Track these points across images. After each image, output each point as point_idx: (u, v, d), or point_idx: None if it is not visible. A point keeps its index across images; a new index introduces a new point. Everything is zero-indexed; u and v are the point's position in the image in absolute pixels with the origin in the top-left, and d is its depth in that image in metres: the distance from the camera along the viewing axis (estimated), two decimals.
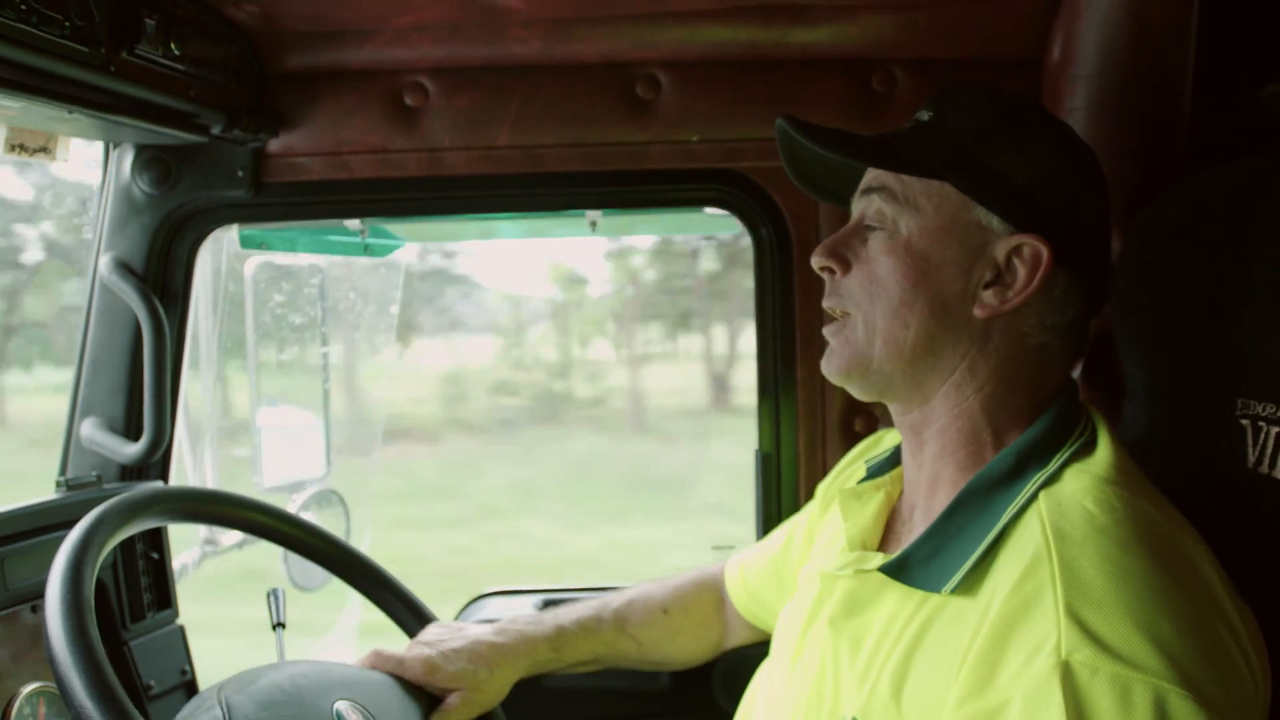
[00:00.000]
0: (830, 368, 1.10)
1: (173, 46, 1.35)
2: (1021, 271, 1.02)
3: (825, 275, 1.12)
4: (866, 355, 1.06)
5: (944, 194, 1.04)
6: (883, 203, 1.06)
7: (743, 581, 1.52)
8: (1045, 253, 1.00)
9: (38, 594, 1.36)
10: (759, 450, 1.74)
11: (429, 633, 1.38)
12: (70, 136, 1.53)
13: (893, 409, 1.13)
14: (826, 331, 1.12)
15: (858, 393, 1.11)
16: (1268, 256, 1.02)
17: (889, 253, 1.05)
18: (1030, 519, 0.94)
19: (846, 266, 1.09)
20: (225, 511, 1.31)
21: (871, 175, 1.10)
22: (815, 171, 1.20)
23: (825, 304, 1.12)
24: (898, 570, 1.00)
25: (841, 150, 1.07)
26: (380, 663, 1.30)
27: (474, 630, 1.40)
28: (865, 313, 1.06)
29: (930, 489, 1.08)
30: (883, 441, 1.38)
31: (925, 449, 1.09)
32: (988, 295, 1.02)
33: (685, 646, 1.56)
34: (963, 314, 1.03)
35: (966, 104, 1.08)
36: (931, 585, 0.96)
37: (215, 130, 1.56)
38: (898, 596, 1.00)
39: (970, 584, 0.94)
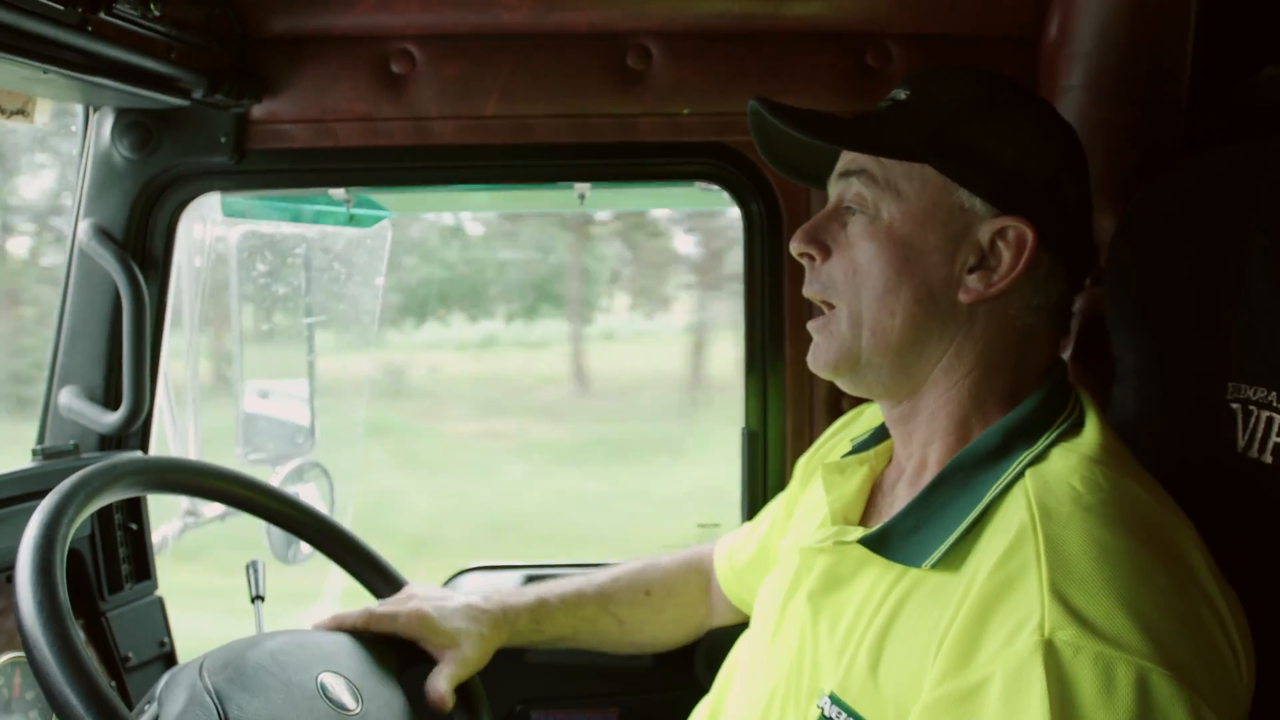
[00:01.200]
0: (817, 362, 1.09)
1: (152, 7, 1.32)
2: (1006, 255, 1.00)
3: (805, 262, 1.09)
4: (854, 349, 1.05)
5: (925, 177, 1.01)
6: (862, 186, 1.04)
7: (730, 565, 1.52)
8: (1030, 235, 0.99)
9: (11, 563, 1.35)
10: (745, 428, 1.73)
11: (417, 588, 1.37)
12: (48, 99, 1.49)
13: (881, 404, 1.12)
14: (811, 326, 1.10)
15: (847, 387, 1.09)
16: (1263, 240, 1.01)
17: (871, 238, 1.03)
18: (1016, 496, 0.93)
19: (826, 253, 1.07)
20: (203, 482, 1.29)
21: (850, 158, 1.07)
22: (789, 152, 1.17)
23: (806, 292, 1.09)
24: (878, 543, 0.99)
25: (819, 134, 1.05)
26: (375, 622, 1.29)
27: (463, 594, 1.40)
28: (849, 303, 1.04)
29: (918, 467, 1.08)
30: (864, 415, 1.37)
31: (914, 438, 1.08)
32: (972, 280, 1.01)
33: (666, 629, 1.55)
34: (948, 299, 1.02)
35: (945, 83, 1.06)
36: (912, 559, 0.96)
37: (197, 95, 1.52)
38: (877, 570, 0.99)
39: (952, 559, 0.93)
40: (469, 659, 1.32)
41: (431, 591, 1.38)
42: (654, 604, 1.53)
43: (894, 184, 1.02)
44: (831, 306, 1.07)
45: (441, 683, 1.26)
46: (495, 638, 1.38)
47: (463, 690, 1.35)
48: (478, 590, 1.44)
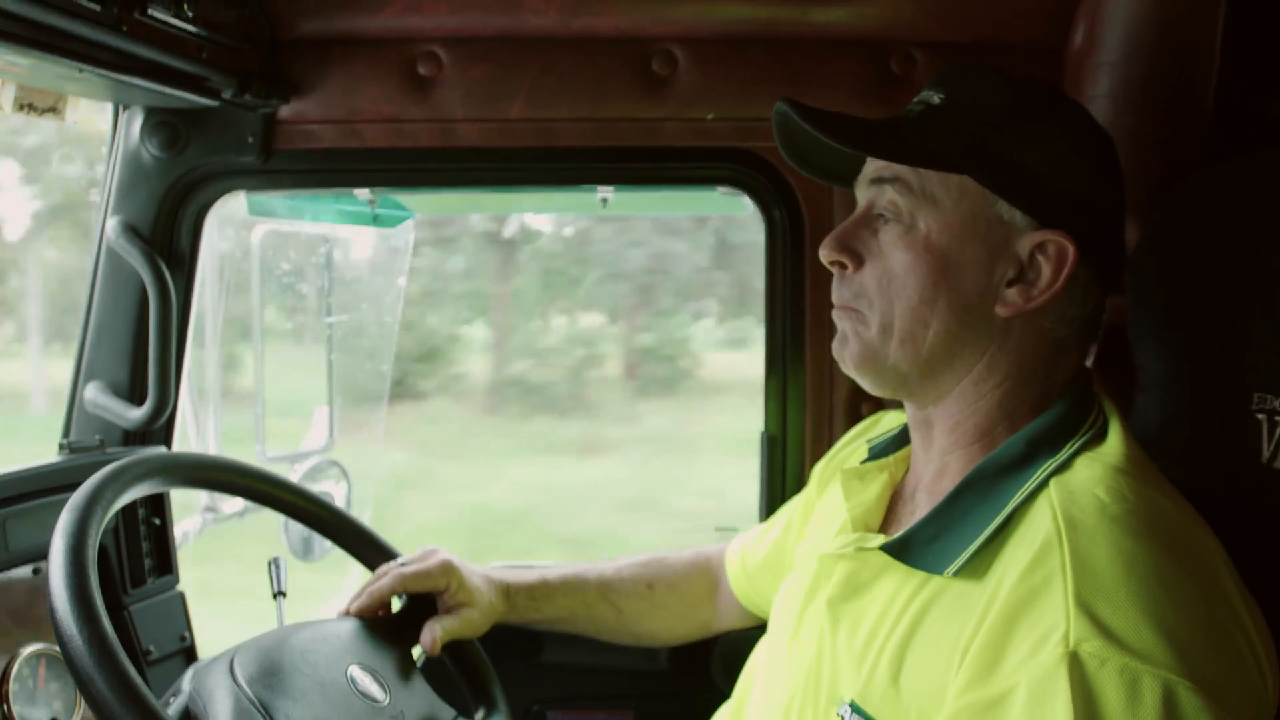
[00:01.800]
0: (844, 354, 1.07)
1: (185, 8, 1.33)
2: (1046, 269, 0.99)
3: (835, 269, 1.07)
4: (881, 353, 1.03)
5: (964, 187, 1.00)
6: (896, 194, 1.02)
7: (743, 566, 1.52)
8: (1071, 250, 0.98)
9: (39, 555, 1.36)
10: (764, 432, 1.73)
11: (435, 548, 1.41)
12: (79, 97, 1.51)
13: (906, 405, 1.11)
14: (836, 315, 1.08)
15: (870, 387, 1.08)
16: None
17: (907, 249, 1.01)
18: (1040, 505, 0.92)
19: (859, 261, 1.05)
20: (228, 479, 1.31)
21: (882, 164, 1.04)
22: (814, 152, 1.15)
23: (836, 299, 1.07)
24: (900, 550, 0.99)
25: (855, 143, 1.03)
26: (410, 581, 1.34)
27: (476, 566, 1.45)
28: (882, 311, 1.03)
29: (938, 475, 1.07)
30: (882, 421, 1.37)
31: (936, 443, 1.07)
32: (1011, 294, 1.00)
33: (667, 624, 1.56)
34: (984, 313, 1.00)
35: (980, 87, 1.03)
36: (934, 567, 0.95)
37: (226, 94, 1.54)
38: (898, 578, 0.99)
39: (975, 567, 0.92)
40: (474, 621, 1.36)
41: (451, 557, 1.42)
42: (655, 598, 1.53)
43: (930, 193, 1.00)
44: (857, 311, 1.06)
45: (438, 629, 1.31)
46: (499, 608, 1.42)
47: (467, 660, 1.38)
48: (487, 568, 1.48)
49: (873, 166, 1.06)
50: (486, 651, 1.41)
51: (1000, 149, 0.99)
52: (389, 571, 1.35)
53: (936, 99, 1.04)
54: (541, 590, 1.47)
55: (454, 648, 1.37)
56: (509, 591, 1.44)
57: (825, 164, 1.16)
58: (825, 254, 1.06)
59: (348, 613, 1.31)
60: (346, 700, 1.13)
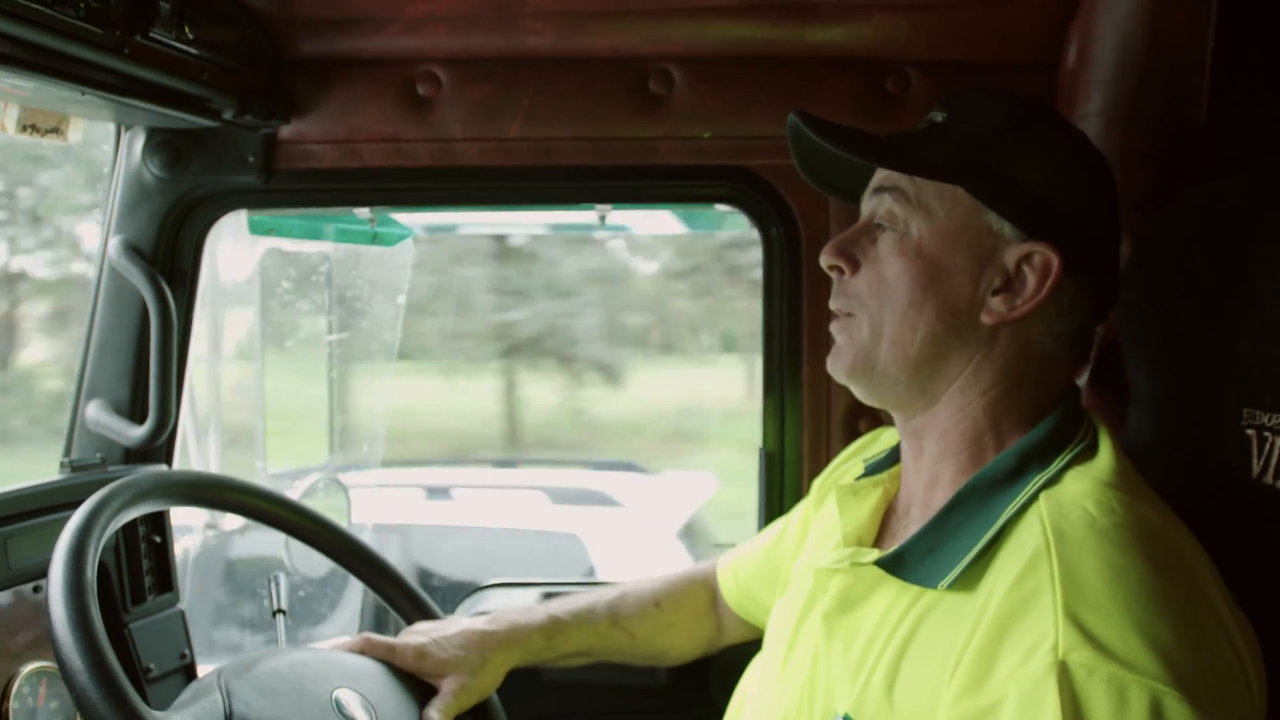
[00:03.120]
0: (836, 366, 1.10)
1: (186, 30, 1.35)
2: (1031, 279, 1.01)
3: (834, 275, 1.11)
4: (872, 356, 1.06)
5: (956, 198, 1.03)
6: (894, 203, 1.05)
7: (734, 577, 1.52)
8: (1056, 262, 1.00)
9: (39, 574, 1.37)
10: (763, 448, 1.74)
11: (421, 625, 1.38)
12: (82, 118, 1.53)
13: (895, 415, 1.12)
14: (833, 328, 1.11)
15: (862, 395, 1.10)
16: (1277, 265, 1.02)
17: (899, 254, 1.04)
18: (1030, 519, 0.94)
19: (855, 266, 1.08)
20: (229, 497, 1.32)
21: (883, 174, 1.08)
22: (824, 167, 1.18)
23: (832, 304, 1.11)
24: (894, 565, 1.00)
25: (855, 150, 1.06)
26: (370, 648, 1.30)
27: (465, 620, 1.40)
28: (872, 314, 1.06)
29: (929, 488, 1.08)
30: (880, 439, 1.38)
31: (926, 452, 1.09)
32: (996, 302, 1.02)
33: (677, 641, 1.55)
34: (970, 319, 1.03)
35: (982, 106, 1.07)
36: (928, 581, 0.96)
37: (227, 115, 1.55)
38: (893, 592, 1.00)
39: (967, 581, 0.93)
40: (470, 687, 1.32)
41: (432, 625, 1.38)
42: (663, 616, 1.53)
43: (925, 203, 1.04)
44: (851, 316, 1.08)
45: (432, 714, 1.27)
46: (503, 660, 1.38)
47: (481, 717, 1.36)
48: (492, 610, 1.45)
49: (875, 178, 1.10)
50: None
51: (993, 162, 1.02)
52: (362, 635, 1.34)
53: (940, 117, 1.08)
54: (555, 628, 1.46)
55: (475, 711, 1.35)
56: (518, 636, 1.41)
57: (833, 178, 1.20)
58: (825, 259, 1.10)
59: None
60: (321, 713, 1.13)
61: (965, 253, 1.02)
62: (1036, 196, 1.01)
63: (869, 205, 1.10)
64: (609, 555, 4.41)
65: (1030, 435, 1.02)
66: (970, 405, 1.05)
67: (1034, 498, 0.95)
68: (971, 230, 1.02)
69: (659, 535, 4.72)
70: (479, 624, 1.40)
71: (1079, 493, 0.94)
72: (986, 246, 1.02)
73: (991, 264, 1.02)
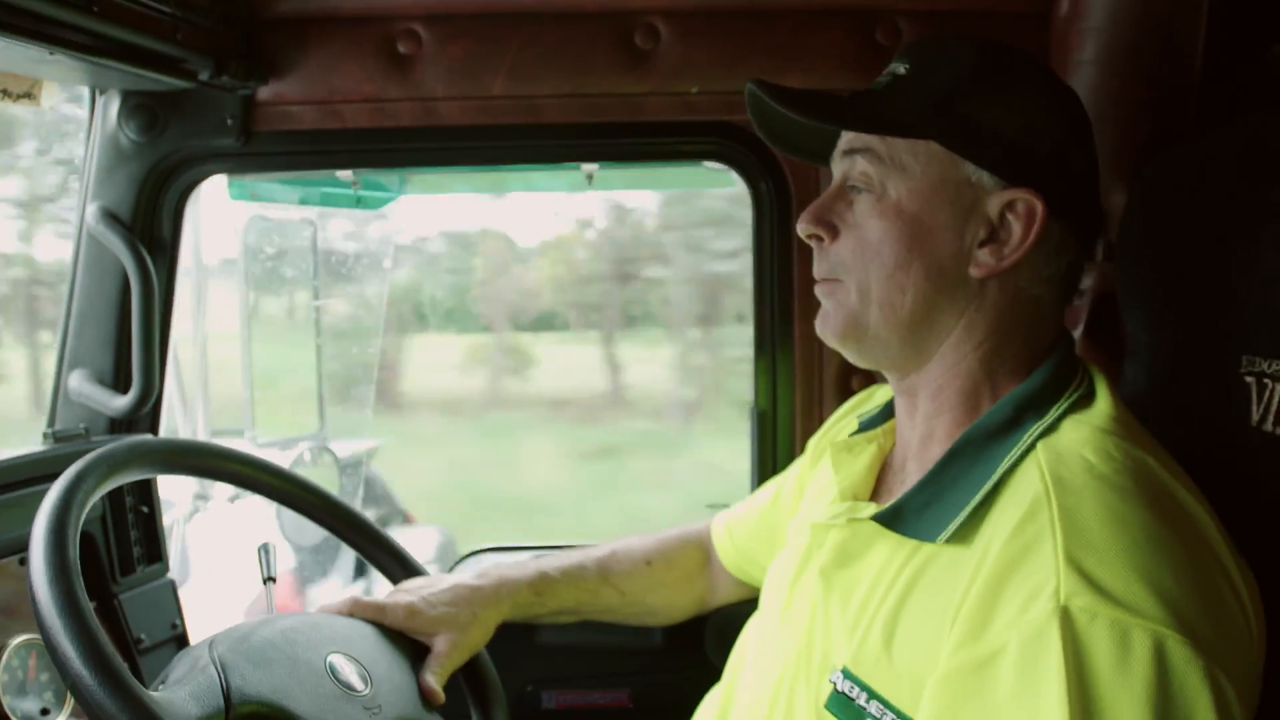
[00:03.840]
0: (826, 329, 1.08)
1: None
2: (1016, 227, 0.99)
3: (813, 243, 1.08)
4: (863, 320, 1.04)
5: (930, 152, 1.00)
6: (867, 164, 1.03)
7: (730, 537, 1.52)
8: (1040, 207, 0.98)
9: (24, 546, 1.35)
10: (755, 407, 1.73)
11: (409, 583, 1.37)
12: (54, 81, 1.49)
13: (889, 375, 1.11)
14: (818, 292, 1.09)
15: (854, 358, 1.09)
16: (1277, 212, 1.01)
17: (879, 216, 1.02)
18: (1028, 468, 0.93)
19: (835, 233, 1.05)
20: (211, 464, 1.30)
21: (852, 136, 1.05)
22: (790, 131, 1.15)
23: (817, 273, 1.08)
24: (891, 519, 0.99)
25: (819, 115, 1.04)
26: (359, 609, 1.29)
27: (453, 576, 1.40)
28: (859, 279, 1.03)
29: (925, 443, 1.07)
30: (874, 396, 1.37)
31: (920, 409, 1.08)
32: (983, 254, 1.00)
33: (669, 599, 1.55)
34: (958, 274, 1.01)
35: (945, 54, 1.04)
36: (926, 534, 0.95)
37: (203, 76, 1.52)
38: (890, 546, 0.99)
39: (965, 533, 0.93)
40: (461, 644, 1.31)
41: (419, 581, 1.37)
42: (654, 574, 1.53)
43: (899, 160, 1.01)
44: (839, 281, 1.06)
45: (428, 676, 1.26)
46: (493, 614, 1.38)
47: (473, 674, 1.36)
48: (479, 570, 1.45)
49: (844, 139, 1.07)
50: None
51: (964, 112, 1.00)
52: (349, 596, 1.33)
53: (903, 69, 1.05)
54: (543, 583, 1.45)
55: (468, 670, 1.35)
56: (506, 591, 1.41)
57: (802, 142, 1.17)
58: (802, 228, 1.08)
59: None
60: (317, 681, 1.12)
61: (946, 207, 1.00)
62: (1012, 142, 0.99)
63: (840, 167, 1.08)
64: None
65: (1025, 384, 1.01)
66: (964, 360, 1.03)
67: (1031, 447, 0.95)
68: (950, 184, 1.00)
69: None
70: (467, 579, 1.39)
71: (1077, 440, 0.93)
72: (967, 198, 1.00)
73: (974, 216, 1.00)
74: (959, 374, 1.04)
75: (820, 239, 1.07)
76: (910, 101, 1.02)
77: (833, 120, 1.05)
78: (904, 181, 1.01)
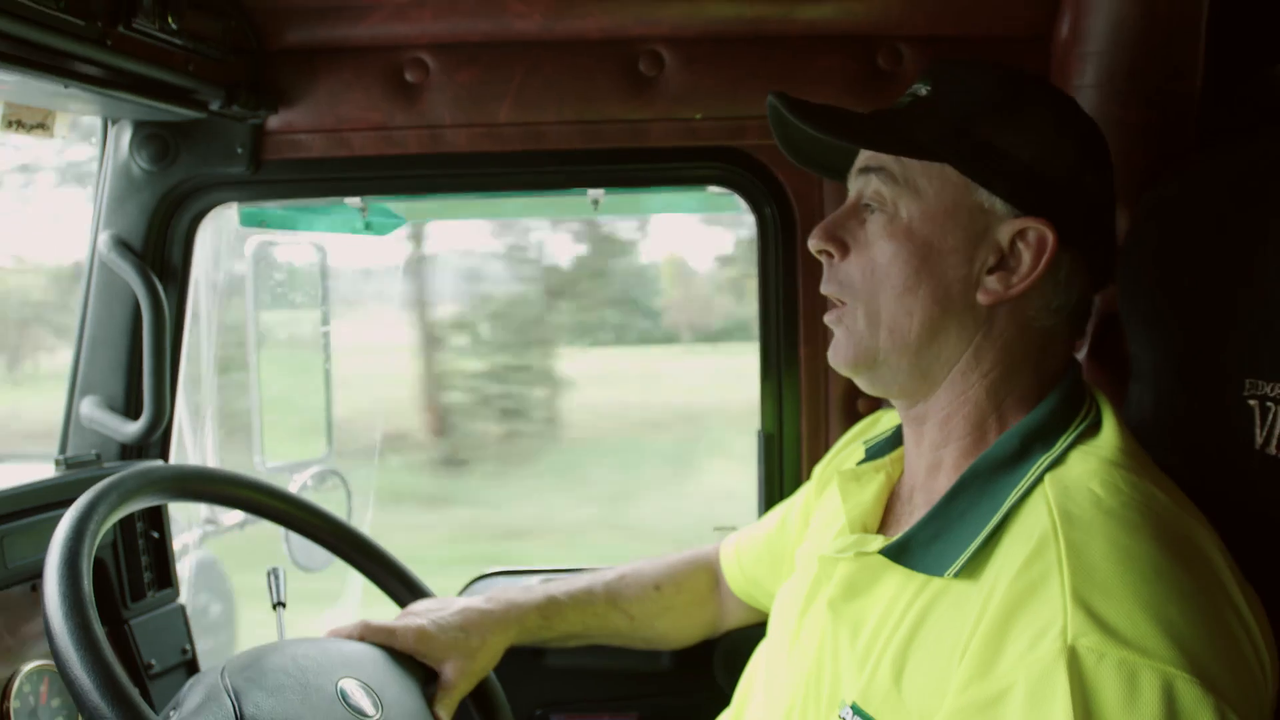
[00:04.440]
0: (837, 359, 1.08)
1: (170, 20, 1.33)
2: (1026, 256, 0.99)
3: (824, 259, 1.08)
4: (872, 347, 1.04)
5: (945, 176, 1.00)
6: (881, 184, 1.03)
7: (737, 562, 1.52)
8: (1050, 237, 0.98)
9: (37, 573, 1.36)
10: (761, 430, 1.73)
11: (418, 605, 1.38)
12: (68, 113, 1.51)
13: (897, 404, 1.11)
14: (828, 319, 1.09)
15: (865, 386, 1.08)
16: (1278, 234, 1.01)
17: (890, 237, 1.02)
18: (1036, 502, 0.92)
19: (845, 250, 1.06)
20: (221, 490, 1.31)
21: (869, 155, 1.06)
22: (809, 147, 1.16)
23: (824, 290, 1.08)
24: (899, 553, 0.99)
25: (837, 132, 1.04)
26: (370, 633, 1.30)
27: (462, 600, 1.40)
28: (867, 301, 1.04)
29: (932, 473, 1.07)
30: (880, 422, 1.37)
31: (927, 437, 1.07)
32: (991, 281, 1.00)
33: (677, 624, 1.55)
34: (966, 301, 1.01)
35: (966, 78, 1.05)
36: (934, 569, 0.95)
37: (214, 106, 1.54)
38: (899, 580, 0.99)
39: (974, 567, 0.92)
40: (469, 670, 1.32)
41: (428, 605, 1.38)
42: (663, 599, 1.53)
43: (913, 182, 1.01)
44: (844, 303, 1.07)
45: (440, 711, 1.27)
46: (501, 639, 1.38)
47: (482, 697, 1.36)
48: (488, 593, 1.45)
49: (861, 157, 1.07)
50: None
51: (982, 139, 1.00)
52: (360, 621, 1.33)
53: (924, 91, 1.05)
54: (552, 608, 1.46)
55: (476, 692, 1.36)
56: (515, 615, 1.42)
57: (820, 157, 1.17)
58: (813, 243, 1.07)
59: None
60: (329, 707, 1.13)
61: (957, 232, 1.00)
62: (1028, 171, 0.99)
63: (856, 185, 1.08)
64: None
65: (1032, 415, 1.00)
66: (972, 388, 1.03)
67: (1039, 480, 0.94)
68: (963, 209, 1.00)
69: None
70: (477, 603, 1.40)
71: (1084, 473, 0.92)
72: (979, 224, 1.00)
73: (985, 242, 1.00)
74: (966, 402, 1.03)
75: (830, 255, 1.07)
76: (929, 124, 1.02)
77: (848, 137, 1.04)
78: (917, 203, 1.01)
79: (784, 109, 1.05)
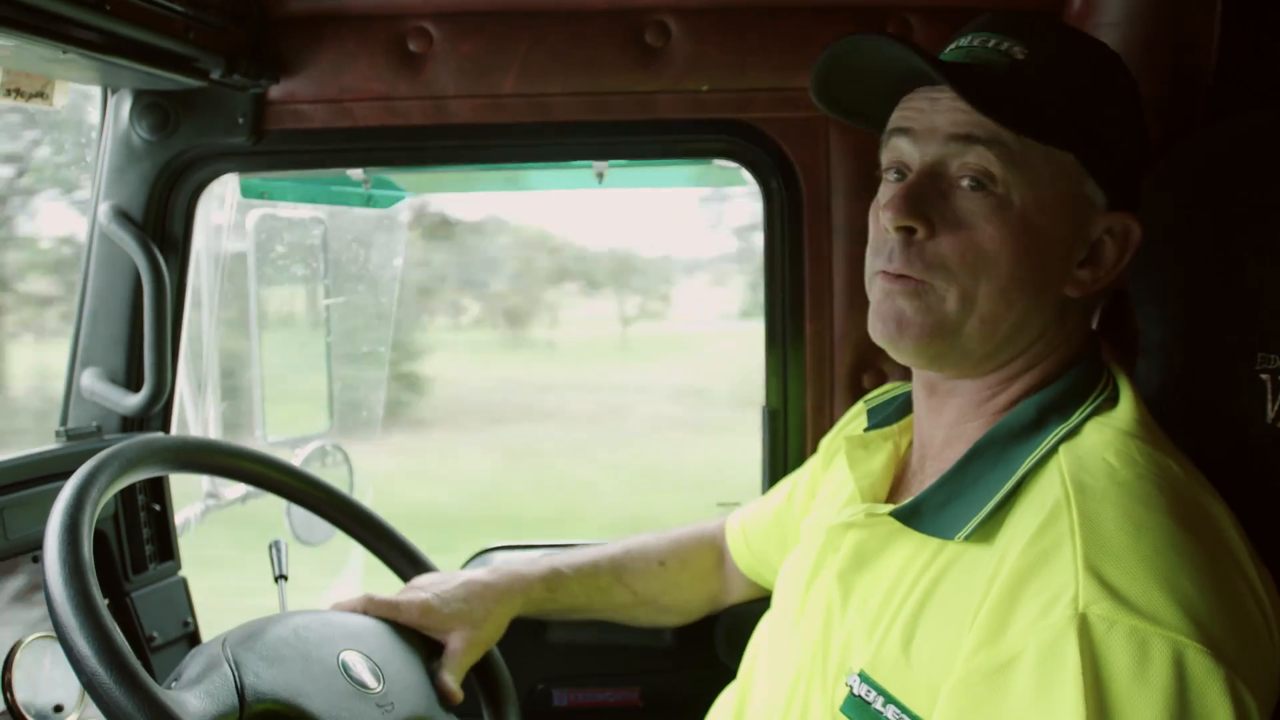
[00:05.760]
0: (904, 334, 0.96)
1: None
2: (1112, 249, 0.97)
3: (899, 234, 0.95)
4: (955, 328, 0.95)
5: (1061, 162, 0.94)
6: (993, 159, 0.92)
7: (744, 537, 1.51)
8: (1137, 231, 0.97)
9: (38, 544, 1.36)
10: (766, 406, 1.72)
11: (422, 579, 1.38)
12: (67, 81, 1.50)
13: (929, 374, 1.05)
14: (897, 290, 0.96)
15: (922, 363, 1.00)
16: None
17: (1001, 224, 0.92)
18: (1050, 471, 0.91)
19: (931, 228, 0.94)
20: (224, 462, 1.31)
21: (975, 120, 0.92)
22: (846, 91, 1.04)
23: (899, 268, 0.95)
24: (909, 516, 0.97)
25: (969, 93, 0.89)
26: (373, 608, 1.29)
27: (465, 573, 1.40)
28: (963, 285, 0.94)
29: (946, 444, 1.05)
30: (886, 392, 1.35)
31: (952, 411, 1.04)
32: (1082, 274, 0.97)
33: (681, 599, 1.55)
34: (1056, 293, 0.97)
35: (1064, 47, 0.97)
36: (945, 532, 0.94)
37: (215, 75, 1.52)
38: (910, 546, 0.98)
39: (985, 533, 0.91)
40: (475, 640, 1.32)
41: (432, 578, 1.38)
42: (668, 574, 1.53)
43: (1032, 164, 0.93)
44: (921, 281, 0.96)
45: (446, 677, 1.27)
46: (506, 610, 1.38)
47: (485, 672, 1.36)
48: (490, 566, 1.45)
49: (951, 119, 0.94)
50: None
51: (1091, 125, 0.95)
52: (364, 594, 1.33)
53: (1020, 53, 0.95)
54: (556, 580, 1.45)
55: (479, 666, 1.36)
56: (519, 586, 1.41)
57: (856, 104, 1.06)
58: (895, 218, 0.94)
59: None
60: (330, 679, 1.13)
61: (1065, 223, 0.95)
62: (1125, 161, 0.96)
63: (935, 150, 0.95)
64: None
65: (1051, 387, 0.99)
66: (1020, 378, 1.00)
67: (1053, 450, 0.93)
68: (1072, 200, 0.95)
69: None
70: (480, 575, 1.39)
71: (1099, 443, 0.92)
72: (1081, 216, 0.96)
73: (1082, 235, 0.97)
74: (1008, 389, 1.01)
75: (912, 231, 0.95)
76: (1046, 99, 0.93)
77: (981, 104, 0.90)
78: (1032, 189, 0.93)
79: (924, 61, 0.91)
